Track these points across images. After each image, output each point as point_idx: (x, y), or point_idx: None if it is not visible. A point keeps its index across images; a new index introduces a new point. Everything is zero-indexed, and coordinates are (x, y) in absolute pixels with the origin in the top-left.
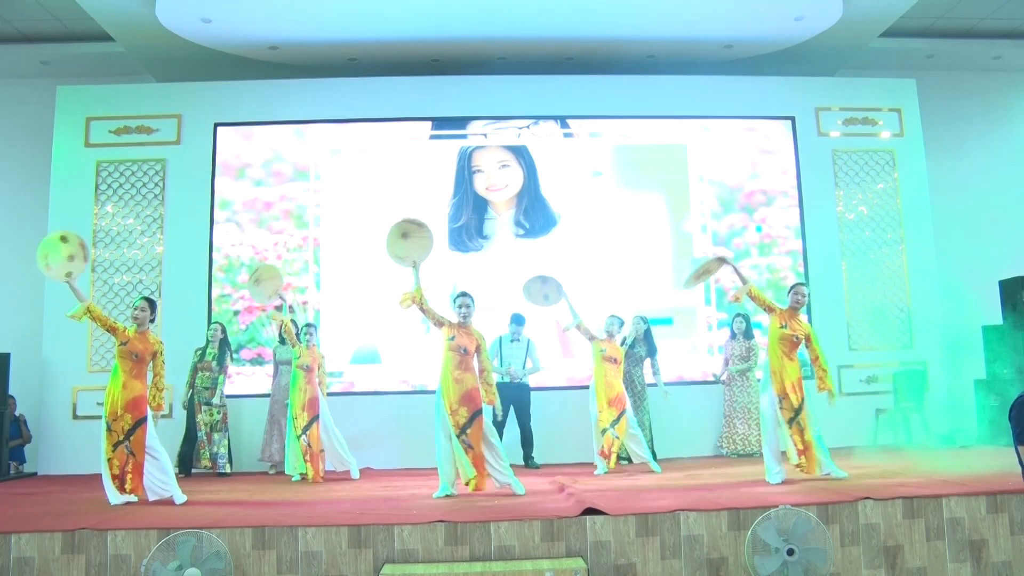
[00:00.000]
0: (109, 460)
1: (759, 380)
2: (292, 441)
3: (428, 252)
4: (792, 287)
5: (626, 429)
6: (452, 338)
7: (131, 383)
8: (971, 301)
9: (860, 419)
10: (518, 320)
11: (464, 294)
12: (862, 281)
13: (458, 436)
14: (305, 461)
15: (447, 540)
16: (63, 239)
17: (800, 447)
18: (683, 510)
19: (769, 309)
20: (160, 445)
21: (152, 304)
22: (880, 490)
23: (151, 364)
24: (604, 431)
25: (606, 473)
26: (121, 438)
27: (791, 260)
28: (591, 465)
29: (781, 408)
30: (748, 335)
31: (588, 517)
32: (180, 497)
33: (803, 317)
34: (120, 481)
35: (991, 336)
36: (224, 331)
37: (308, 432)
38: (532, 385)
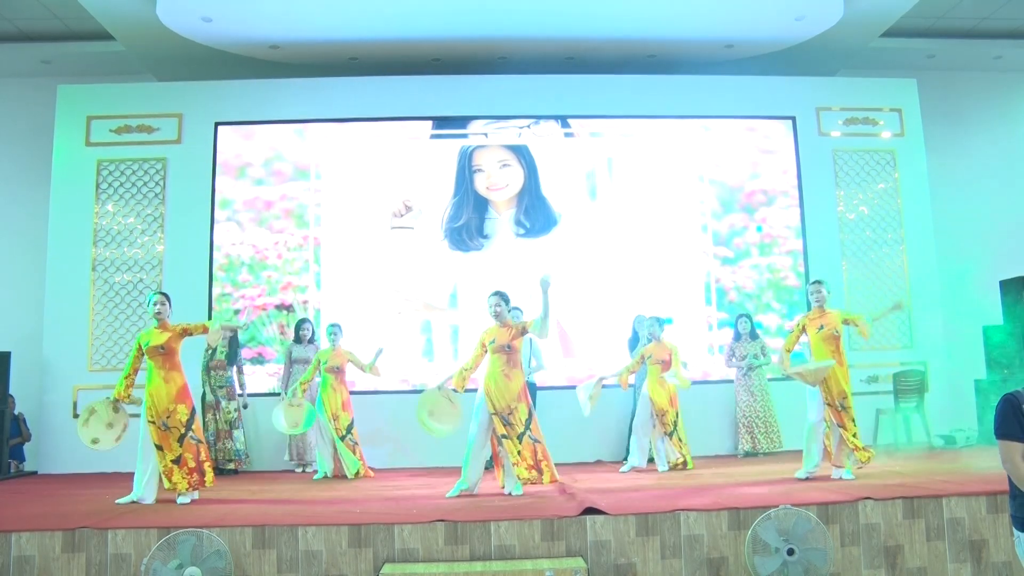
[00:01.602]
0: (181, 457)
1: (769, 380)
2: (337, 444)
3: (455, 426)
4: (811, 284)
5: (682, 428)
6: (493, 341)
7: (171, 376)
8: (971, 296)
9: (860, 419)
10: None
11: (495, 293)
12: (862, 281)
13: (523, 434)
14: (356, 458)
15: (447, 540)
16: (91, 411)
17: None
18: (683, 510)
19: (802, 331)
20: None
21: (168, 297)
22: (880, 490)
23: (182, 343)
24: (670, 434)
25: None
26: (184, 431)
27: (791, 260)
28: (591, 464)
29: (830, 415)
30: (753, 335)
31: (588, 517)
32: (186, 499)
33: (832, 310)
34: (199, 475)
35: (991, 336)
36: (233, 329)
37: (352, 431)
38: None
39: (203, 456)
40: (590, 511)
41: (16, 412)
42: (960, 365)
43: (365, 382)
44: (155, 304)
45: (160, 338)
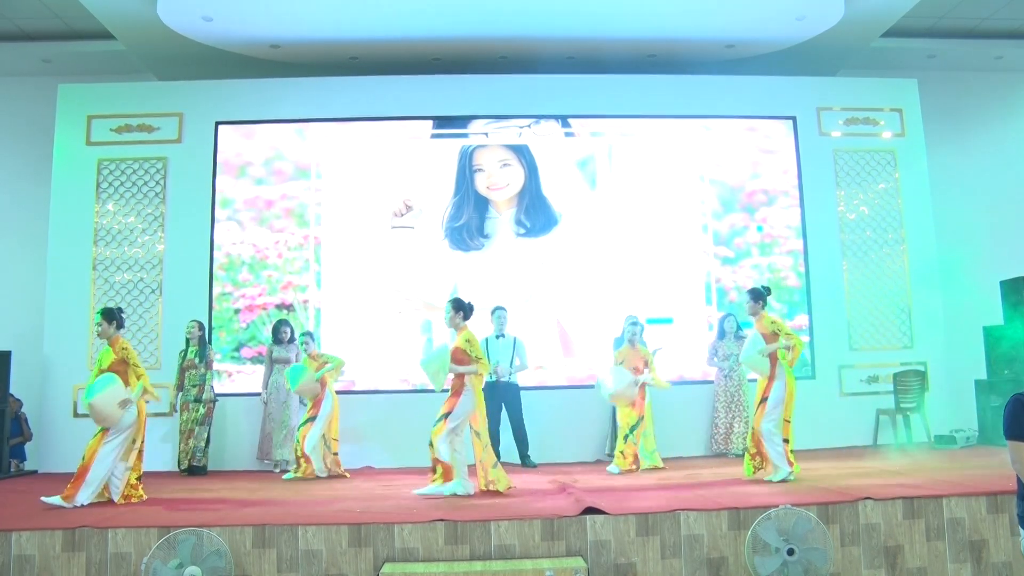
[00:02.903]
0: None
1: (751, 380)
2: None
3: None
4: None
5: (642, 434)
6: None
7: None
8: (971, 294)
9: (861, 419)
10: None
11: (448, 301)
12: (863, 281)
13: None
14: (297, 457)
15: (447, 539)
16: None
17: (752, 450)
18: (683, 510)
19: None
20: (106, 457)
21: (109, 315)
22: (880, 490)
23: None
24: (625, 437)
25: (619, 473)
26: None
27: (792, 260)
28: (591, 464)
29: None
30: (739, 335)
31: (588, 516)
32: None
33: (766, 316)
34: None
35: (992, 336)
36: (203, 328)
37: (301, 429)
38: (532, 384)
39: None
40: (590, 511)
41: (21, 412)
42: (960, 365)
43: (366, 381)
44: (96, 324)
45: (106, 360)
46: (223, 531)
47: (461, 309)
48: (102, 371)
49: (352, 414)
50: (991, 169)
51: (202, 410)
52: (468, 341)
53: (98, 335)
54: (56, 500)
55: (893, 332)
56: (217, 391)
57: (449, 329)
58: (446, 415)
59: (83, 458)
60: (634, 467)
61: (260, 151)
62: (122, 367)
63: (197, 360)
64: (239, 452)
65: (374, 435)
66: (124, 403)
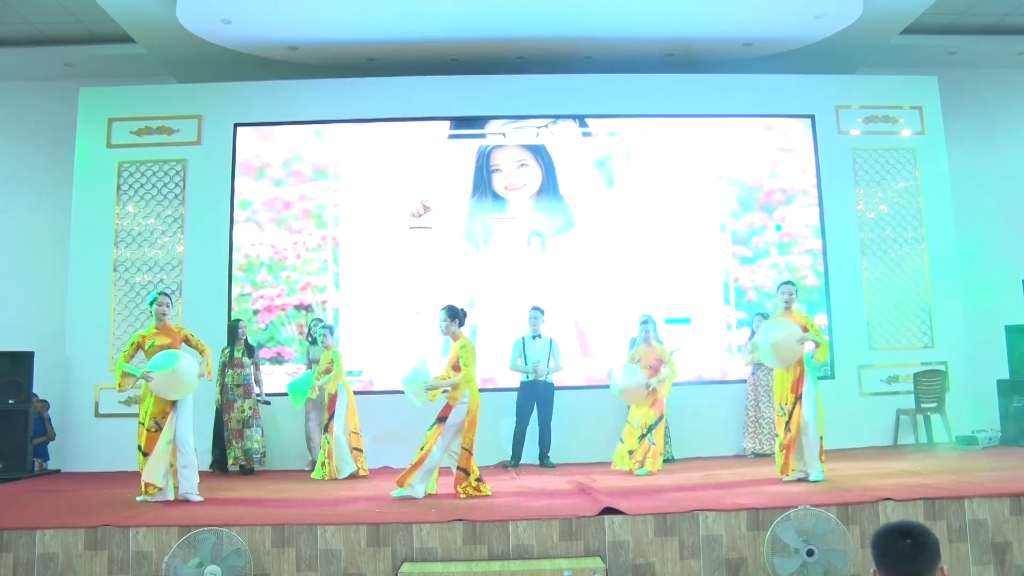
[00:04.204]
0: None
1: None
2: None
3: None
4: (779, 286)
5: (664, 435)
6: None
7: None
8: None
9: (881, 419)
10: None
11: (442, 308)
12: (883, 280)
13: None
14: (326, 457)
15: (465, 539)
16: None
17: (783, 448)
18: (702, 510)
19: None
20: (189, 437)
21: (170, 297)
22: (901, 491)
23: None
24: (641, 437)
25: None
26: (172, 436)
27: (811, 259)
28: (610, 465)
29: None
30: None
31: (607, 517)
32: (197, 496)
33: (798, 308)
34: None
35: (1014, 336)
36: (245, 328)
37: (330, 429)
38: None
39: (172, 460)
40: (609, 511)
41: (48, 414)
42: (982, 365)
43: (384, 381)
44: (161, 304)
45: (165, 339)
46: (243, 530)
47: (456, 316)
48: (156, 349)
49: (370, 414)
50: (1012, 166)
51: (248, 411)
52: (464, 348)
53: (161, 315)
54: (147, 497)
55: (913, 331)
56: None
57: (444, 337)
58: (442, 419)
59: (142, 451)
60: (636, 467)
61: (278, 152)
62: (179, 344)
63: (246, 359)
64: (268, 451)
65: (392, 435)
66: (199, 375)
